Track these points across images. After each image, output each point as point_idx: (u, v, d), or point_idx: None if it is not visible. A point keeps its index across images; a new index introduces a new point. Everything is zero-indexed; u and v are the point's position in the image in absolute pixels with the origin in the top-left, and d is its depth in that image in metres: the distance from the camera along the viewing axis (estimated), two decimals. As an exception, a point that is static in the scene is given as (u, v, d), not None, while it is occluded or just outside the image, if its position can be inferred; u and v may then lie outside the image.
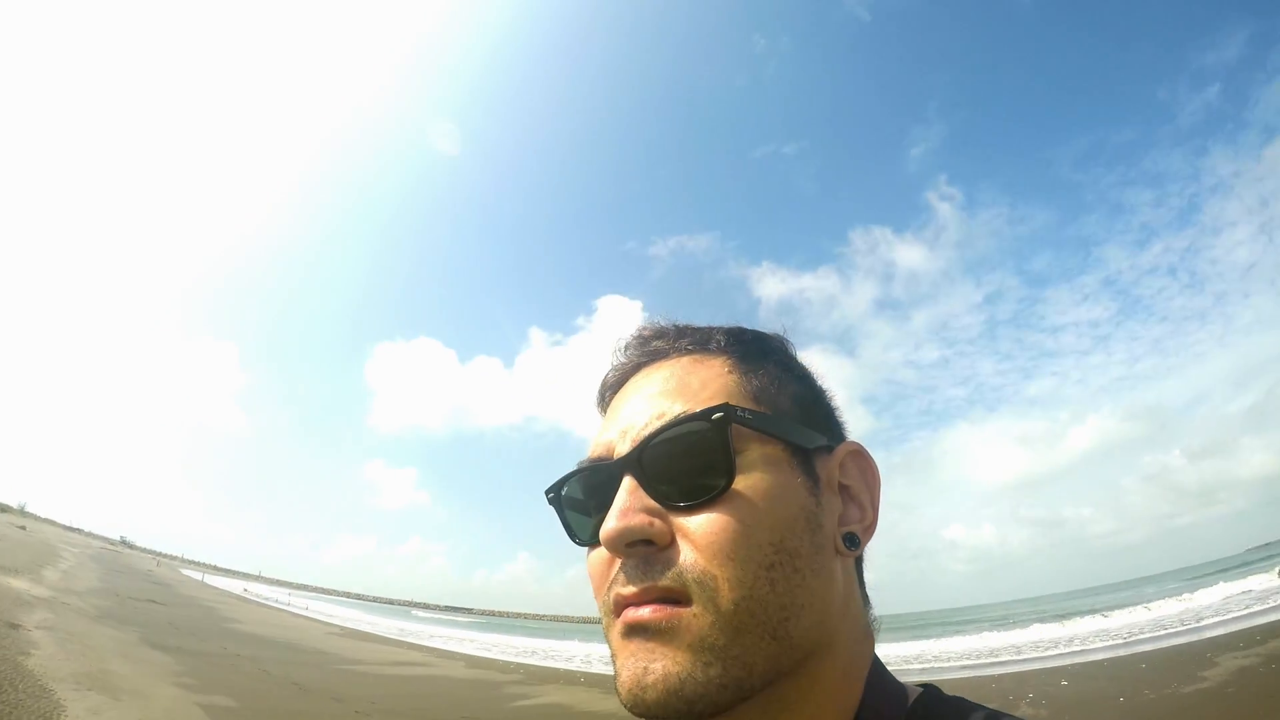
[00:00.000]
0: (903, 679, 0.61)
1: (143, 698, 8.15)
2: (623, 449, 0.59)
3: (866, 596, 0.64)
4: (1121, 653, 13.96)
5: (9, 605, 12.25)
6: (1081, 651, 15.37)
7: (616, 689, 0.53)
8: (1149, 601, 25.52)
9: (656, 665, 0.51)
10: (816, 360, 0.69)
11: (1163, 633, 16.22)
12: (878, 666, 0.60)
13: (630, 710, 0.52)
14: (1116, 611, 24.11)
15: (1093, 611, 26.60)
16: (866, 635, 0.61)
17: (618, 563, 0.56)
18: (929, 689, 0.59)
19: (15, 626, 10.40)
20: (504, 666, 19.21)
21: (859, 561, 0.64)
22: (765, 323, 0.70)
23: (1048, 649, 16.79)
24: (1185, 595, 24.34)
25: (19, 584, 15.77)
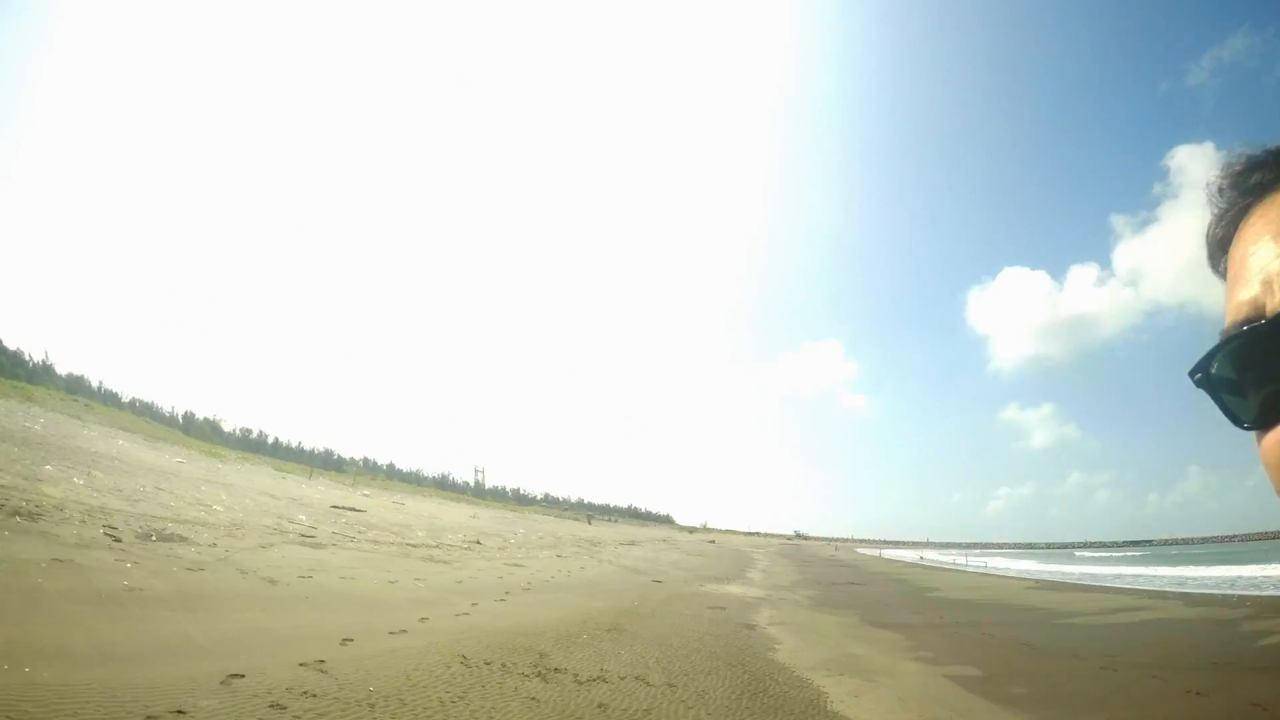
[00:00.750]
0: None
1: (892, 675, 7.87)
2: (1276, 303, 0.45)
3: None
4: None
5: (739, 609, 14.29)
6: None
7: None
8: None
9: None
10: None
11: None
12: None
13: None
14: None
15: None
16: None
17: None
18: None
19: (751, 627, 11.71)
20: (1224, 600, 16.22)
21: None
22: None
23: None
24: None
25: (735, 589, 18.96)
